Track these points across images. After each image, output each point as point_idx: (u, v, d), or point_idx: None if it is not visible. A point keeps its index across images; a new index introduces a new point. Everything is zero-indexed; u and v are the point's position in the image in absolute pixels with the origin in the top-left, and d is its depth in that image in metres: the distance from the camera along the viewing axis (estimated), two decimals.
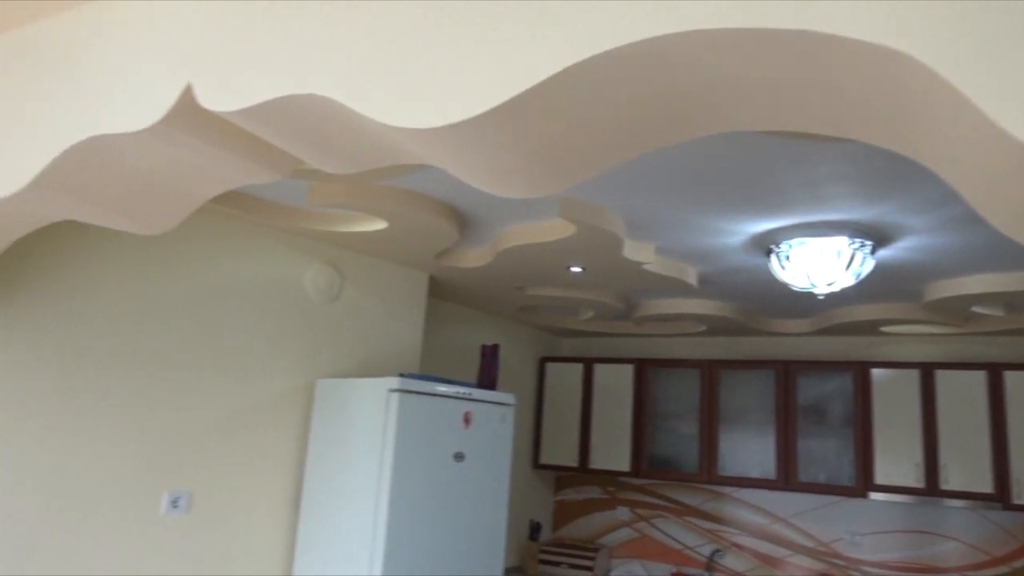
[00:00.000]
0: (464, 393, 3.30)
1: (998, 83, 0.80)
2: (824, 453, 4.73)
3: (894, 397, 4.58)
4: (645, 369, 5.32)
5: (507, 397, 3.54)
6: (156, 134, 1.44)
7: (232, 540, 3.04)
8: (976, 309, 3.95)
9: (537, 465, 5.50)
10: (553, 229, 3.04)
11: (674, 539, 5.31)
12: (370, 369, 3.67)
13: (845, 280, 3.01)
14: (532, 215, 3.02)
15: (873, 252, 3.03)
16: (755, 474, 4.86)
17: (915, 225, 2.83)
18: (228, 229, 3.09)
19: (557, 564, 5.17)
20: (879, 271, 3.46)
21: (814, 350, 5.20)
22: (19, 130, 1.60)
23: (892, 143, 1.08)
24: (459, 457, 3.26)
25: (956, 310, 3.92)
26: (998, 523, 4.50)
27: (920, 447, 4.45)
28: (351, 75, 1.17)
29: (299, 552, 3.17)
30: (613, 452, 5.26)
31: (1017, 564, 4.42)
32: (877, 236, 2.97)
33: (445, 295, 4.56)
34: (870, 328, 4.66)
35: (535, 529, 5.30)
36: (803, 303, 4.35)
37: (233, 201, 2.93)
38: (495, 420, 3.46)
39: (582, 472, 5.35)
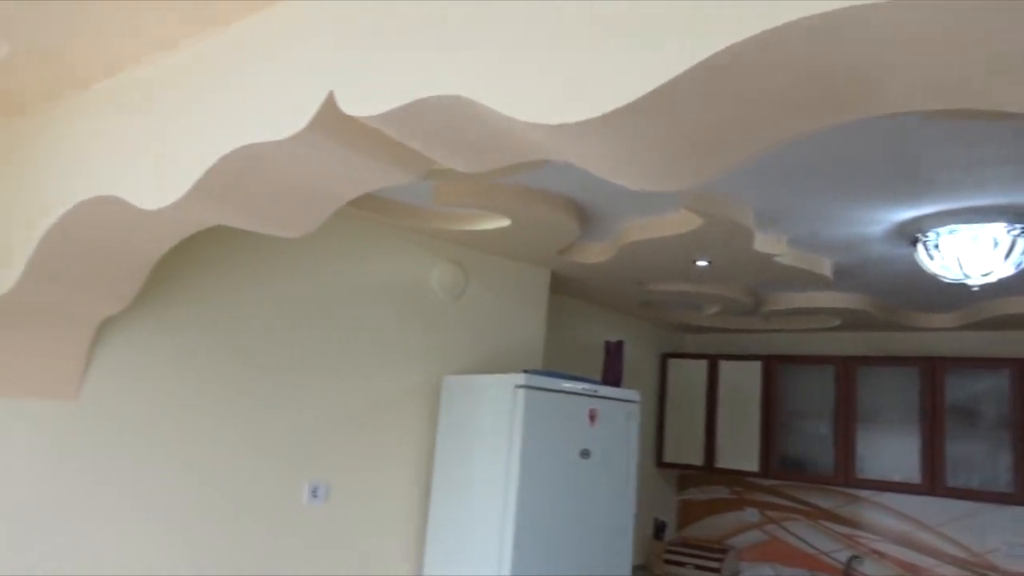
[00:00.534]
0: (589, 390, 3.28)
1: None
2: (975, 457, 4.39)
3: None
4: (774, 366, 5.11)
5: (632, 394, 3.48)
6: (301, 141, 1.50)
7: (368, 530, 3.15)
8: None
9: (660, 463, 5.40)
10: (678, 222, 2.97)
11: (807, 543, 5.07)
12: (494, 365, 3.71)
13: (1004, 270, 2.76)
14: (656, 208, 2.95)
15: None
16: (897, 477, 4.57)
17: None
18: (358, 230, 3.21)
19: (683, 564, 5.06)
20: None
21: (962, 346, 4.82)
22: (179, 143, 1.72)
23: None
24: (585, 454, 3.24)
25: None
26: None
27: None
28: (491, 74, 1.17)
29: (429, 544, 3.25)
30: (740, 451, 5.08)
31: None
32: None
33: (566, 291, 4.55)
34: None
35: (660, 528, 5.21)
36: (950, 296, 4.04)
37: (362, 202, 3.03)
38: (621, 417, 3.41)
39: (708, 471, 5.21)
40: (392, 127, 1.38)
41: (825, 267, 3.49)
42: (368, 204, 3.06)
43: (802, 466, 4.93)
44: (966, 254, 2.76)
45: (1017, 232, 2.70)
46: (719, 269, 3.60)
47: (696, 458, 5.25)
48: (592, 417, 3.28)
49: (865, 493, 4.92)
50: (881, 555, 4.81)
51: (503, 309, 3.79)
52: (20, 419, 2.34)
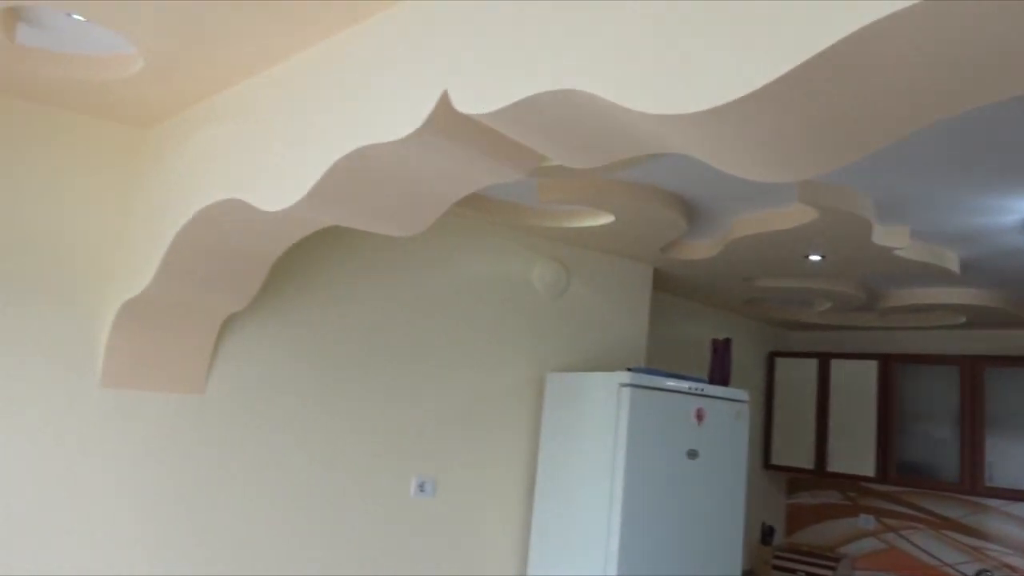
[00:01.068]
0: (696, 388, 3.20)
1: None
2: None
3: None
4: (891, 365, 4.84)
5: (741, 393, 3.38)
6: (415, 141, 1.53)
7: (473, 524, 3.19)
8: None
9: (768, 466, 5.22)
10: (791, 215, 2.85)
11: (929, 554, 4.79)
12: (596, 363, 3.69)
13: None
14: (767, 202, 2.85)
15: None
16: None
17: None
18: (460, 229, 3.25)
19: (793, 571, 4.87)
20: None
21: None
22: (298, 147, 1.78)
23: None
24: (692, 454, 3.16)
25: None
26: None
27: None
28: (608, 66, 1.16)
29: (533, 542, 3.25)
30: (855, 455, 4.85)
31: None
32: None
33: (668, 288, 4.47)
34: None
35: (768, 533, 5.04)
36: None
37: (464, 201, 3.07)
38: (729, 417, 3.32)
39: (819, 475, 5.00)
40: (506, 124, 1.38)
41: (951, 260, 3.28)
42: (470, 203, 3.09)
43: (923, 472, 4.66)
44: None
45: None
46: (833, 264, 3.44)
47: (806, 461, 5.05)
48: (699, 416, 3.20)
49: (995, 503, 4.59)
50: (1013, 569, 4.48)
51: (605, 307, 3.75)
52: (152, 412, 2.49)
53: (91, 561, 2.36)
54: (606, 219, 3.10)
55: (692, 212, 3.04)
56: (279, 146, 1.87)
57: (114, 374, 2.42)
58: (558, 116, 1.32)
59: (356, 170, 1.69)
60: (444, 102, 1.43)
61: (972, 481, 4.42)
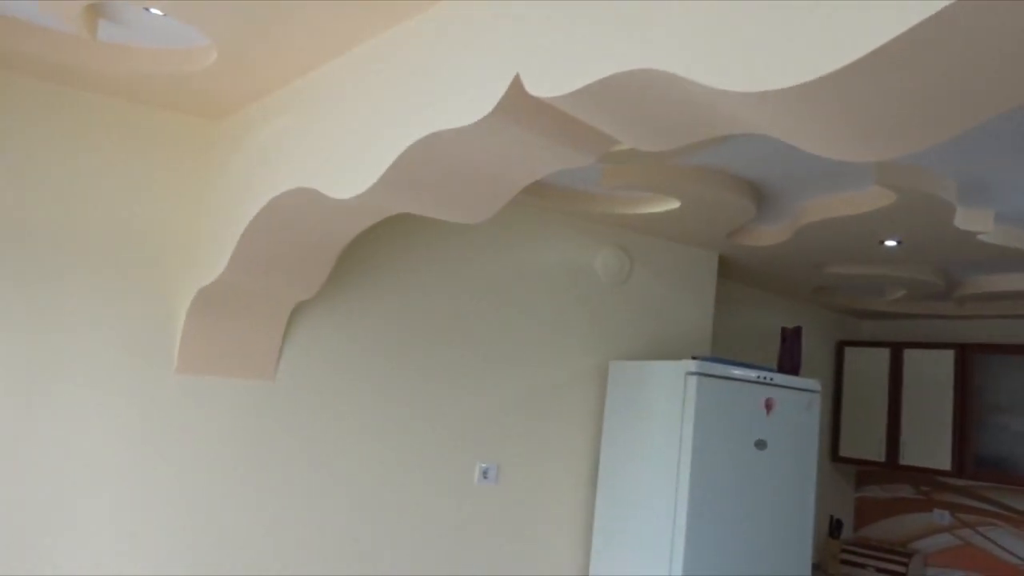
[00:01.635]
0: (765, 378, 3.13)
1: None
2: None
3: None
4: (970, 355, 4.64)
5: (812, 383, 3.29)
6: (485, 127, 1.52)
7: (536, 511, 3.19)
8: None
9: (836, 458, 5.08)
10: (867, 199, 2.75)
11: (1010, 552, 4.59)
12: (660, 351, 3.63)
13: None
14: (841, 185, 2.75)
15: None
16: None
17: None
18: (524, 216, 3.23)
19: (862, 566, 4.74)
20: None
21: None
22: (368, 134, 1.79)
23: None
24: (761, 445, 3.09)
25: None
26: None
27: None
28: (688, 44, 1.12)
29: (596, 531, 3.23)
30: (929, 448, 4.67)
31: None
32: None
33: (733, 276, 4.37)
34: None
35: (836, 526, 4.91)
36: None
37: (528, 188, 3.05)
38: (799, 407, 3.23)
39: (890, 468, 4.84)
40: (578, 107, 1.35)
41: None
42: (532, 190, 3.07)
43: (1002, 466, 4.46)
44: None
45: None
46: (910, 249, 3.31)
47: (876, 453, 4.89)
48: (768, 406, 3.12)
49: None
50: None
51: (669, 294, 3.69)
52: (224, 398, 2.56)
53: (162, 545, 2.44)
54: (671, 205, 3.04)
55: (760, 197, 2.95)
56: (349, 134, 1.88)
57: (188, 360, 2.49)
58: (633, 98, 1.29)
59: (426, 157, 1.69)
60: (516, 86, 1.41)
61: None
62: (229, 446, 2.55)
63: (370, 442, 2.80)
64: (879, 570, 4.68)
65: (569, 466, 3.30)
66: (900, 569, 4.62)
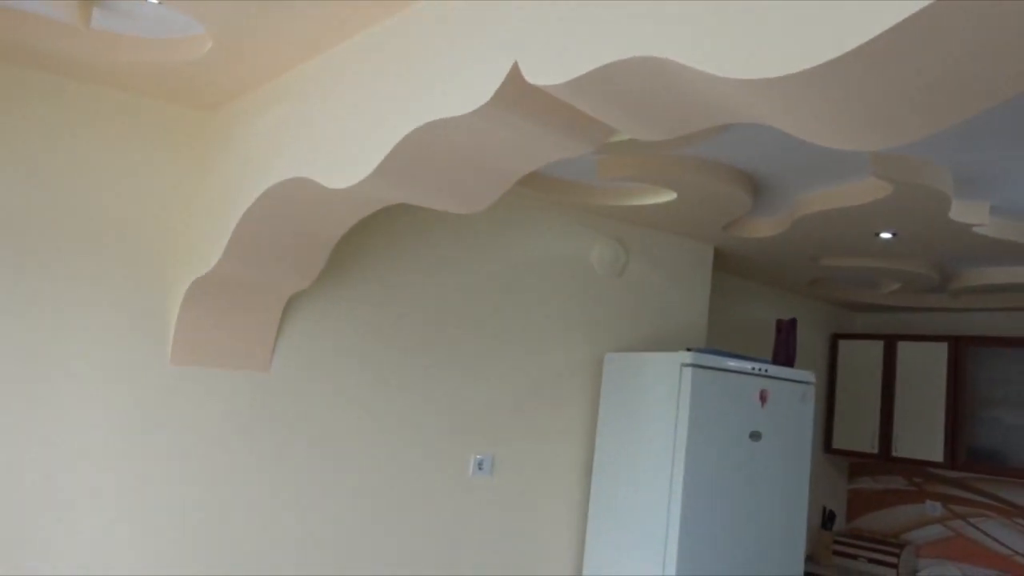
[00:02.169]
0: (760, 369, 3.13)
1: None
2: None
3: None
4: (963, 348, 4.67)
5: (807, 375, 3.30)
6: (483, 115, 1.51)
7: (531, 503, 3.19)
8: None
9: (829, 449, 5.10)
10: (863, 190, 2.75)
11: (1000, 542, 4.62)
12: (655, 343, 3.64)
13: None
14: (837, 177, 2.75)
15: None
16: None
17: None
18: (519, 207, 3.22)
19: (854, 557, 4.77)
20: None
21: None
22: (364, 124, 1.78)
23: None
24: (755, 436, 3.10)
25: None
26: None
27: None
28: (690, 30, 1.11)
29: (591, 522, 3.24)
30: (921, 440, 4.70)
31: None
32: None
33: (728, 269, 4.38)
34: None
35: (829, 518, 4.94)
36: None
37: (524, 179, 3.04)
38: (794, 399, 3.24)
39: (883, 460, 4.86)
40: (578, 95, 1.35)
41: None
42: (528, 181, 3.06)
43: (996, 459, 4.49)
44: None
45: None
46: (905, 242, 3.32)
47: (869, 445, 4.92)
48: (763, 398, 3.13)
49: None
50: None
51: (665, 286, 3.69)
52: (219, 389, 2.55)
53: (157, 536, 2.44)
54: (667, 196, 3.04)
55: (757, 189, 2.96)
56: (345, 124, 1.87)
57: (183, 352, 2.48)
58: (633, 86, 1.28)
59: (422, 146, 1.68)
60: (514, 73, 1.40)
61: None
62: (224, 437, 2.55)
63: (365, 433, 2.80)
64: (871, 561, 4.71)
65: (564, 457, 3.30)
66: (892, 560, 4.65)
